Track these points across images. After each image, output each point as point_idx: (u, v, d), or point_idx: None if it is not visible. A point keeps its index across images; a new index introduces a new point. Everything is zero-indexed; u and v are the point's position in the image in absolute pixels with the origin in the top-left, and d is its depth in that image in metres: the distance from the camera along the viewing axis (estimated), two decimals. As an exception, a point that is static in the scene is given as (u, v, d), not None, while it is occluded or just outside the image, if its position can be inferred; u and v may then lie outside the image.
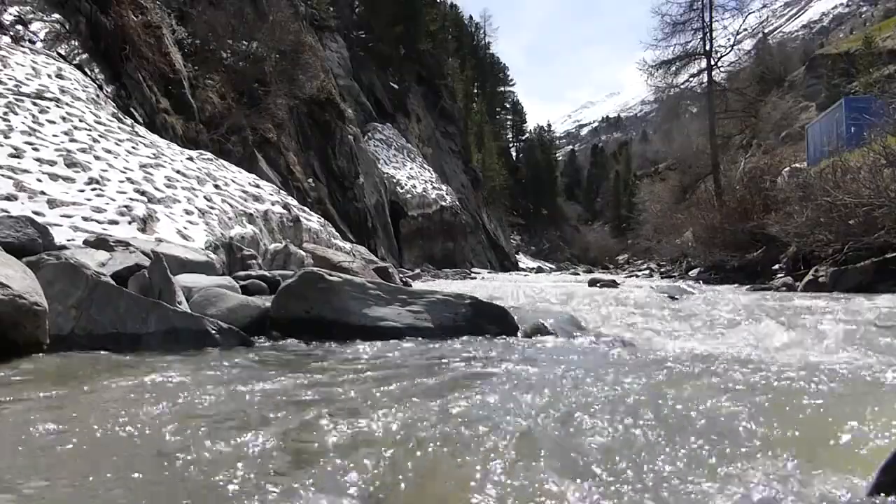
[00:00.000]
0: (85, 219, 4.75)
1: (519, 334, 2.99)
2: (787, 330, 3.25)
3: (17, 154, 5.50)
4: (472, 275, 22.56)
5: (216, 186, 7.43)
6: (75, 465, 1.09)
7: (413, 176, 30.90)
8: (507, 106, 74.76)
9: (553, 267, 47.71)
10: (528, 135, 79.43)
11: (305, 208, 11.28)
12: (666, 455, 1.13)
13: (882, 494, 0.93)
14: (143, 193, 5.80)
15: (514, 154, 74.40)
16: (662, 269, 23.41)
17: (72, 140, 6.44)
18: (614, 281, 12.16)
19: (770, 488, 0.98)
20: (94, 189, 5.44)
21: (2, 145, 5.57)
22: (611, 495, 0.97)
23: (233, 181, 8.27)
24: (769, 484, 1.00)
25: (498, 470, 1.07)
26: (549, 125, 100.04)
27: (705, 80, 20.90)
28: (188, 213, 5.89)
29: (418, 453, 1.15)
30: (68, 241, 3.76)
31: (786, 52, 65.49)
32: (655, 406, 1.48)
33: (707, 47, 20.55)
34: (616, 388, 1.73)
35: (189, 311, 2.80)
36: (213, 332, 2.66)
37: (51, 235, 3.01)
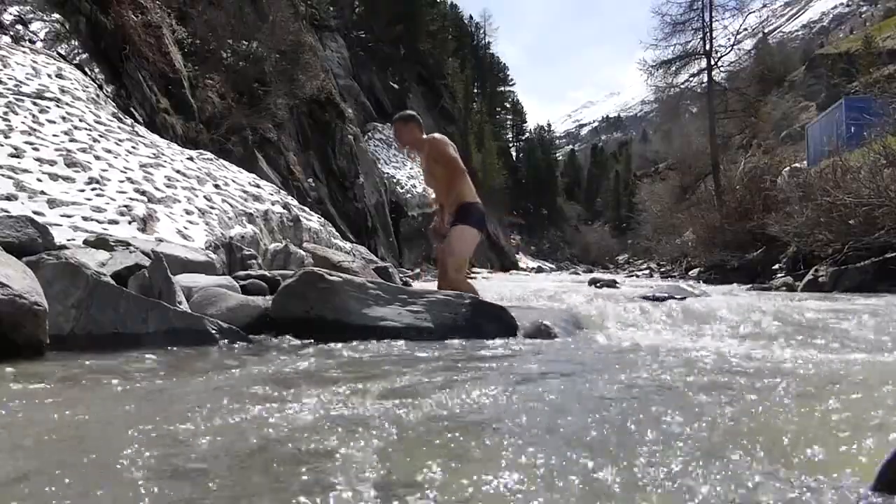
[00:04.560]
0: (85, 218, 4.75)
1: (519, 334, 2.99)
2: (788, 331, 3.25)
3: (17, 154, 5.50)
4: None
5: (216, 186, 7.43)
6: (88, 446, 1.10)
7: (413, 176, 30.88)
8: (507, 106, 74.76)
9: (553, 267, 47.74)
10: (528, 135, 79.46)
11: (305, 208, 11.28)
12: (678, 454, 1.13)
13: (885, 493, 0.93)
14: (143, 193, 5.80)
15: (514, 154, 74.40)
16: (662, 269, 23.42)
17: (72, 140, 6.44)
18: (614, 281, 12.15)
19: (770, 485, 0.98)
20: (94, 189, 5.44)
21: (2, 145, 5.57)
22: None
23: (233, 181, 8.27)
24: (770, 481, 1.00)
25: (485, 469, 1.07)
26: (549, 125, 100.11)
27: (705, 80, 20.93)
28: (188, 212, 5.89)
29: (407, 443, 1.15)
30: (68, 240, 3.76)
31: (786, 52, 65.62)
32: (658, 406, 1.48)
33: (707, 47, 20.59)
34: (617, 388, 1.73)
35: (189, 310, 2.80)
36: (213, 331, 2.66)
37: (51, 235, 3.00)
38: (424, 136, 4.30)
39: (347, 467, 1.06)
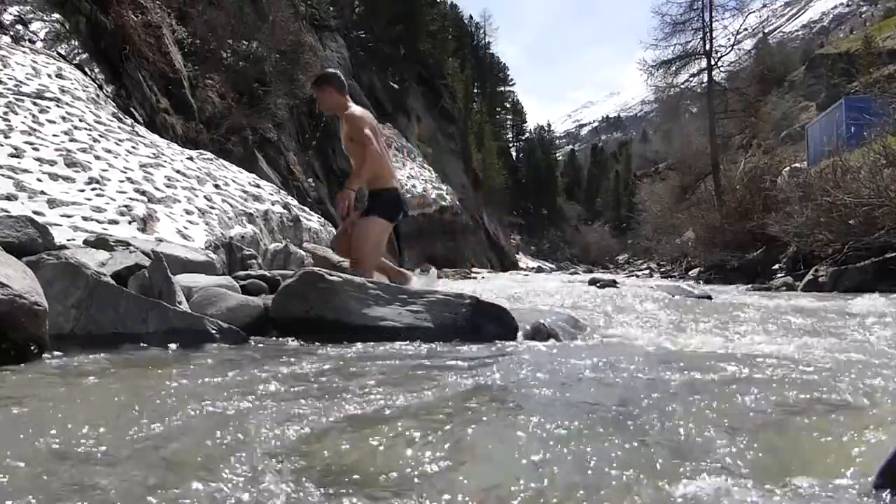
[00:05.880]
0: (85, 218, 4.75)
1: (519, 334, 2.99)
2: (793, 330, 3.26)
3: (17, 154, 5.50)
4: (473, 274, 22.56)
5: (216, 186, 7.43)
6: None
7: (413, 176, 30.89)
8: (507, 106, 74.81)
9: (553, 267, 47.78)
10: (528, 135, 79.58)
11: (305, 208, 11.27)
12: (683, 456, 1.13)
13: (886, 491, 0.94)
14: (143, 193, 5.80)
15: (514, 154, 74.45)
16: (662, 269, 23.43)
17: (72, 140, 6.44)
18: (614, 281, 12.14)
19: (770, 484, 0.98)
20: (94, 189, 5.44)
21: (2, 145, 5.57)
22: None
23: (233, 181, 8.27)
24: (767, 480, 1.00)
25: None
26: (549, 125, 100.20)
27: (705, 79, 20.91)
28: (188, 212, 5.89)
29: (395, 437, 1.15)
30: (68, 240, 3.76)
31: (786, 52, 65.65)
32: (657, 405, 1.48)
33: (707, 47, 20.57)
34: (616, 389, 1.73)
35: (189, 310, 2.80)
36: (213, 331, 2.66)
37: (51, 235, 3.00)
38: (348, 104, 3.92)
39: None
